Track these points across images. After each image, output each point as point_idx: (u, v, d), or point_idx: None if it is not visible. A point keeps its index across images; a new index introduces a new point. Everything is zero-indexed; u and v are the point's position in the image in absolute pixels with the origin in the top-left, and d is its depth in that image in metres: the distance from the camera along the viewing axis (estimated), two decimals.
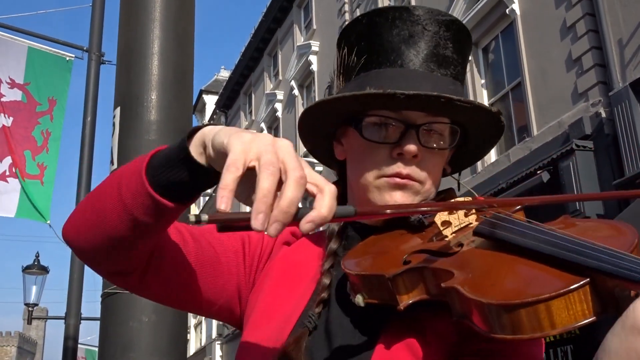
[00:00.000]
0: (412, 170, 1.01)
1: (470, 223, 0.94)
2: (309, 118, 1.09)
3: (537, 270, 0.77)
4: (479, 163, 10.48)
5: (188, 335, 28.72)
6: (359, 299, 0.91)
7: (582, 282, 0.71)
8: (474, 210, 0.94)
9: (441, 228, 0.93)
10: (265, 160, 0.72)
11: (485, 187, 9.55)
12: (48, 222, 8.85)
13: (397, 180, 1.01)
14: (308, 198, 0.74)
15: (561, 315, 0.71)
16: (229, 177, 0.71)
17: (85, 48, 9.18)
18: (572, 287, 0.71)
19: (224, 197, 0.69)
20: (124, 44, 2.24)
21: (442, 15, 1.06)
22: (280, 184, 0.71)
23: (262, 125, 22.11)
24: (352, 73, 1.08)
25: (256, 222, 0.68)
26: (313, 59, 18.25)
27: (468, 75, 11.11)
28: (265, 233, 0.70)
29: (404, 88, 0.97)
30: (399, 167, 1.01)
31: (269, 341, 1.00)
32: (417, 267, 0.86)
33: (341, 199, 0.99)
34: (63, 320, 8.34)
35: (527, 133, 9.70)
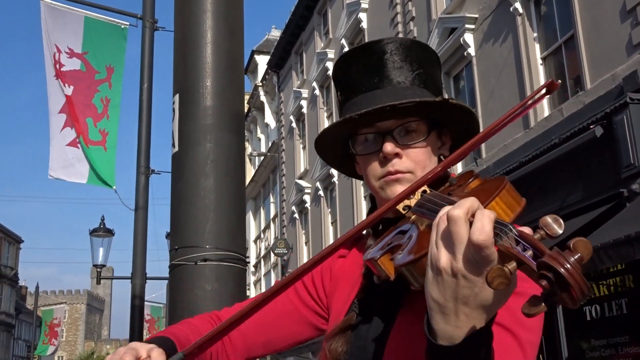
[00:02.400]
0: (399, 165, 1.23)
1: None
2: (319, 146, 1.37)
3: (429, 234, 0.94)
4: (531, 118, 10.40)
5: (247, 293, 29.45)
6: (375, 279, 1.11)
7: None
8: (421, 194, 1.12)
9: (403, 212, 1.12)
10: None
11: (538, 142, 9.49)
12: (114, 187, 9.25)
13: (390, 177, 1.24)
14: None
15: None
16: None
17: (139, 16, 9.42)
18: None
19: None
20: (180, 34, 2.42)
21: (389, 41, 1.30)
22: None
23: (314, 84, 22.20)
24: (340, 106, 1.35)
25: None
26: (363, 16, 18.16)
27: (520, 29, 10.94)
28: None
29: (367, 107, 1.21)
30: (387, 167, 1.24)
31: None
32: (390, 247, 1.08)
33: (372, 203, 1.36)
34: (129, 280, 8.79)
35: (580, 87, 9.56)
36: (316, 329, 1.40)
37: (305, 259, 22.75)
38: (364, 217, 16.56)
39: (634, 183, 7.87)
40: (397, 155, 1.23)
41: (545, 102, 10.54)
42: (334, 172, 19.99)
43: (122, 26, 9.75)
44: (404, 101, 1.20)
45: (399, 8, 15.91)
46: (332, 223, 20.88)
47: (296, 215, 24.16)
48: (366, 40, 14.07)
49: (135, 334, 8.40)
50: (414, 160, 1.24)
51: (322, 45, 22.04)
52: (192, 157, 2.27)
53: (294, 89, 24.77)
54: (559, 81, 1.05)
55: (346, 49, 19.18)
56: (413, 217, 1.09)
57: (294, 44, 25.25)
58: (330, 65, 20.86)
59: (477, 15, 12.37)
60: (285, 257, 24.50)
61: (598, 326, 8.48)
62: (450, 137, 1.34)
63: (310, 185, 22.62)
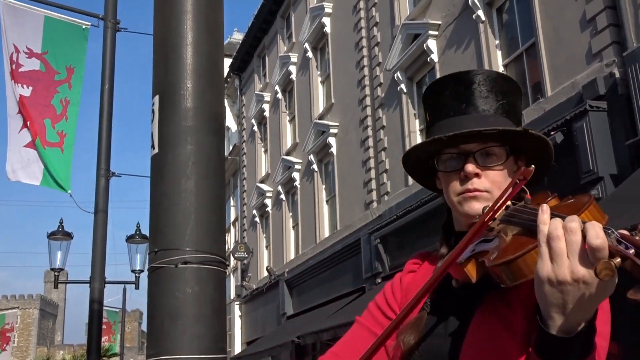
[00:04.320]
0: (478, 184, 1.37)
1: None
2: (406, 160, 1.51)
3: (522, 238, 1.14)
4: None
5: None
6: (454, 282, 1.28)
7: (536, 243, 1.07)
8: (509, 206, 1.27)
9: (490, 224, 1.26)
10: None
11: None
12: (69, 192, 9.08)
13: (469, 194, 1.37)
14: None
15: (530, 263, 1.08)
16: None
17: (100, 16, 9.29)
18: (532, 246, 1.08)
19: None
20: (160, 35, 2.40)
21: (477, 72, 1.45)
22: None
23: (277, 87, 22.18)
24: (428, 127, 1.49)
25: None
26: (326, 20, 18.22)
27: (482, 37, 11.12)
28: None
29: (454, 131, 1.36)
30: (467, 185, 1.37)
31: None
32: (474, 253, 1.23)
33: (448, 216, 1.51)
34: (87, 284, 8.64)
35: (541, 94, 9.76)
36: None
37: (265, 263, 22.69)
38: (325, 221, 16.57)
39: (593, 189, 8.06)
40: (477, 175, 1.36)
41: None
42: (295, 176, 20.00)
43: (83, 26, 9.60)
44: (489, 128, 1.34)
45: (362, 13, 16.02)
46: (293, 227, 20.87)
47: (257, 219, 24.08)
48: (329, 44, 14.23)
49: (94, 339, 8.27)
50: (492, 181, 1.37)
51: (285, 49, 22.05)
52: (173, 159, 2.25)
53: (256, 92, 24.71)
54: (532, 167, 1.23)
55: (309, 53, 19.24)
56: (496, 228, 1.24)
57: (256, 47, 25.20)
58: (293, 68, 20.87)
59: (440, 22, 12.53)
60: (245, 261, 24.38)
61: None
62: (525, 163, 1.45)
63: (271, 189, 22.58)
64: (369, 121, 15.34)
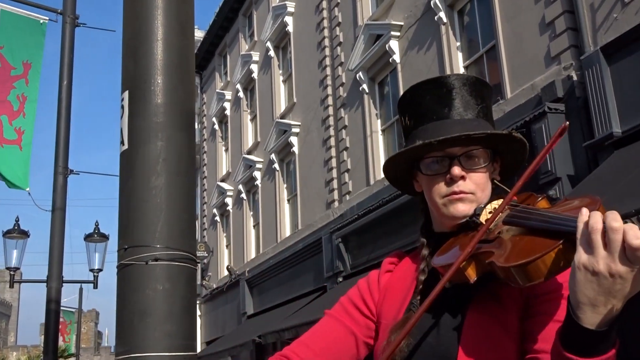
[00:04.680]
0: (464, 186, 1.41)
1: (507, 212, 1.32)
2: (389, 164, 1.53)
3: (537, 239, 1.16)
4: None
5: None
6: (447, 284, 1.28)
7: (558, 243, 1.11)
8: (507, 209, 1.32)
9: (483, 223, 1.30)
10: None
11: None
12: (27, 189, 8.90)
13: (455, 196, 1.40)
14: None
15: (553, 263, 1.12)
16: None
17: (59, 11, 9.13)
18: (552, 247, 1.11)
19: None
20: (130, 31, 2.37)
21: (457, 76, 1.49)
22: None
23: (238, 86, 22.08)
24: (408, 131, 1.51)
25: None
26: (289, 20, 18.21)
27: (444, 38, 11.25)
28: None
29: (440, 135, 1.39)
30: (453, 188, 1.41)
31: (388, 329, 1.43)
32: (474, 253, 1.26)
33: (426, 218, 1.53)
34: (44, 284, 8.48)
35: (501, 95, 9.92)
36: (368, 346, 1.55)
37: (225, 262, 22.57)
38: (286, 220, 16.52)
39: (550, 189, 8.22)
40: (462, 177, 1.40)
41: None
42: (256, 175, 19.94)
43: (41, 21, 9.42)
44: (478, 132, 1.39)
45: (325, 13, 16.05)
46: (254, 226, 20.80)
47: (217, 218, 23.93)
48: (292, 43, 14.21)
49: (50, 339, 8.14)
50: (476, 183, 1.42)
51: (247, 47, 21.96)
52: (143, 155, 2.22)
53: (217, 90, 24.54)
54: (567, 122, 1.24)
55: (271, 51, 19.19)
56: (494, 229, 1.27)
57: (217, 45, 25.04)
58: (254, 67, 20.80)
59: (402, 23, 12.63)
60: (205, 261, 24.20)
61: None
62: (500, 163, 1.51)
63: (232, 188, 22.46)
64: (331, 121, 15.38)
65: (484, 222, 1.33)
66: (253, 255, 20.39)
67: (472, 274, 1.26)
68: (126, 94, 2.31)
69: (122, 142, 2.29)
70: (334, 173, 15.07)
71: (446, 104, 1.45)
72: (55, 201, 8.54)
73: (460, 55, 11.15)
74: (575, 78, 8.40)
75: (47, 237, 8.39)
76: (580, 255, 1.05)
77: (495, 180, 1.48)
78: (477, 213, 1.37)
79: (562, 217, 1.14)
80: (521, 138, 1.45)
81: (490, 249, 1.23)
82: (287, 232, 17.87)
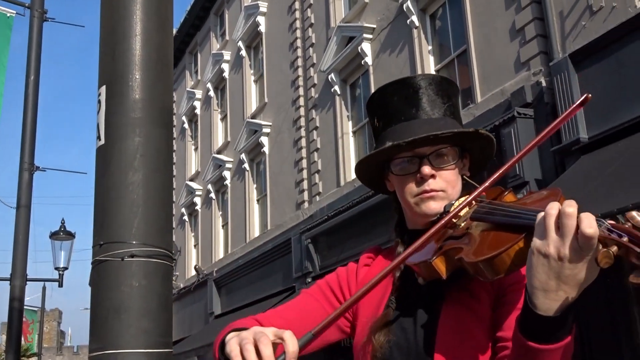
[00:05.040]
0: (434, 185, 1.44)
1: (474, 208, 1.35)
2: (361, 166, 1.56)
3: (502, 233, 1.20)
4: None
5: None
6: (420, 280, 1.34)
7: (521, 236, 1.16)
8: (474, 204, 1.35)
9: (454, 221, 1.34)
10: (244, 342, 1.11)
11: None
12: None
13: (426, 195, 1.44)
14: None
15: (516, 256, 1.15)
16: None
17: (27, 5, 8.99)
18: (516, 240, 1.16)
19: None
20: (108, 26, 2.35)
21: (423, 77, 1.52)
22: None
23: (209, 85, 21.96)
24: (378, 132, 1.55)
25: None
26: (261, 19, 18.17)
27: (416, 42, 11.33)
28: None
29: (408, 136, 1.43)
30: (424, 187, 1.44)
31: (368, 325, 1.45)
32: (444, 250, 1.29)
33: (399, 216, 1.57)
34: (7, 282, 8.34)
35: (471, 99, 10.03)
36: (342, 331, 1.57)
37: (193, 262, 22.43)
38: (256, 220, 16.44)
39: (518, 193, 8.33)
40: (432, 176, 1.43)
41: None
42: (226, 174, 19.86)
43: (8, 15, 9.27)
44: (445, 132, 1.42)
45: (298, 14, 16.05)
46: (223, 226, 20.70)
47: (185, 217, 23.76)
48: (264, 43, 14.16)
49: (13, 338, 8.00)
50: (446, 180, 1.45)
51: (218, 46, 21.85)
52: (120, 151, 2.20)
53: (188, 89, 24.38)
54: (590, 95, 1.26)
55: (243, 51, 19.13)
56: (462, 226, 1.31)
57: (188, 44, 24.87)
58: (225, 66, 20.71)
59: (374, 26, 12.69)
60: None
61: None
62: (469, 159, 1.54)
63: (201, 187, 22.32)
64: (302, 122, 15.39)
65: (454, 219, 1.36)
66: (221, 255, 20.29)
67: (443, 270, 1.29)
68: (103, 89, 2.30)
69: (99, 138, 2.27)
70: (305, 174, 15.08)
71: (413, 105, 1.48)
72: (20, 198, 8.40)
73: (431, 58, 11.24)
74: (544, 84, 8.54)
75: (11, 234, 8.26)
76: (535, 240, 1.09)
77: (465, 176, 1.51)
78: (446, 210, 1.40)
79: (523, 210, 1.19)
80: (488, 135, 1.48)
81: (460, 245, 1.27)
82: (256, 232, 17.82)
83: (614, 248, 1.02)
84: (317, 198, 14.39)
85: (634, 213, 1.04)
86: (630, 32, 7.38)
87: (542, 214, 1.10)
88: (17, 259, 8.18)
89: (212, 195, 21.06)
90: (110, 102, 2.27)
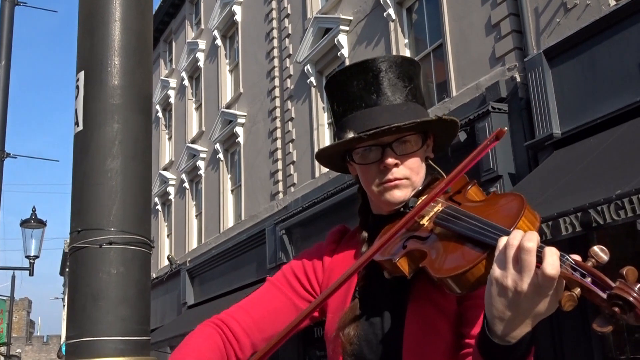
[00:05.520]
0: (398, 173, 1.41)
1: (438, 209, 1.32)
2: (321, 155, 1.53)
3: (464, 247, 1.18)
4: None
5: None
6: (386, 274, 1.33)
7: (483, 256, 1.13)
8: (440, 206, 1.33)
9: (417, 219, 1.32)
10: None
11: None
12: None
13: (390, 184, 1.41)
14: None
15: (481, 275, 1.13)
16: None
17: None
18: (478, 259, 1.13)
19: None
20: (87, 10, 2.33)
21: (383, 59, 1.45)
22: None
23: (183, 74, 21.79)
24: (338, 118, 1.50)
25: None
26: (237, 9, 18.06)
27: (392, 35, 11.37)
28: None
29: (370, 125, 1.39)
30: (387, 175, 1.41)
31: (337, 316, 1.45)
32: (408, 250, 1.29)
33: (363, 200, 1.55)
34: None
35: (447, 93, 10.10)
36: (310, 318, 1.53)
37: (166, 252, 22.31)
38: (230, 210, 16.38)
39: (492, 186, 8.43)
40: (395, 164, 1.40)
41: None
42: (200, 164, 19.76)
43: None
44: (407, 123, 1.37)
45: (274, 4, 15.99)
46: (196, 216, 20.61)
47: (159, 207, 23.61)
48: (239, 33, 14.07)
49: None
50: (410, 168, 1.42)
51: (194, 35, 21.69)
52: (98, 138, 2.18)
53: (162, 77, 24.18)
54: (505, 128, 1.26)
55: (218, 40, 19.01)
56: (426, 225, 1.29)
57: (163, 32, 24.65)
58: (200, 55, 20.57)
59: (351, 18, 12.70)
60: None
61: None
62: (433, 139, 1.50)
63: (175, 177, 22.19)
64: (278, 112, 15.36)
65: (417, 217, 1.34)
66: (195, 245, 20.21)
67: (407, 270, 1.28)
68: (82, 74, 2.27)
69: (77, 124, 2.25)
70: (279, 165, 15.07)
71: (374, 90, 1.43)
72: None
73: (408, 52, 11.29)
74: (518, 79, 8.63)
75: None
76: (494, 269, 1.07)
77: (429, 160, 1.49)
78: (410, 206, 1.39)
79: (486, 228, 1.16)
80: (452, 119, 1.45)
81: (423, 249, 1.26)
82: (230, 222, 17.78)
83: (577, 290, 1.00)
84: (292, 189, 14.40)
85: (597, 249, 1.01)
86: (603, 30, 7.49)
87: (503, 240, 1.07)
88: None
89: (186, 184, 20.95)
90: (88, 88, 2.24)
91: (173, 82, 23.15)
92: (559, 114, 7.96)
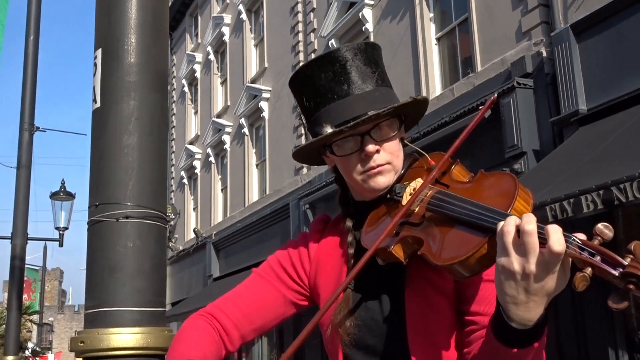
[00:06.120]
0: (379, 159, 1.41)
1: (428, 194, 1.32)
2: (298, 153, 1.53)
3: (463, 233, 1.18)
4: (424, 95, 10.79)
5: None
6: (379, 261, 1.33)
7: (485, 240, 1.13)
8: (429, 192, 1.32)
9: (411, 208, 1.31)
10: None
11: (428, 120, 9.88)
12: None
13: (373, 171, 1.41)
14: None
15: (484, 257, 1.13)
16: None
17: None
18: (481, 244, 1.13)
19: None
20: None
21: (347, 48, 1.45)
22: None
23: (209, 48, 21.83)
24: (310, 113, 1.48)
25: None
26: None
27: (417, 9, 11.25)
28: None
29: (346, 115, 1.39)
30: (369, 163, 1.41)
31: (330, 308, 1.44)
32: (402, 237, 1.28)
33: (342, 189, 1.54)
34: (9, 240, 8.43)
35: (472, 69, 10.00)
36: (297, 306, 1.58)
37: (192, 225, 22.57)
38: (255, 185, 16.46)
39: (516, 163, 8.38)
40: (377, 151, 1.41)
41: (437, 81, 10.95)
42: (225, 139, 19.86)
43: None
44: (385, 109, 1.38)
45: None
46: (222, 190, 20.78)
47: (185, 180, 23.84)
48: (264, 7, 13.99)
49: (14, 296, 8.11)
50: (390, 152, 1.43)
51: (219, 9, 21.67)
52: (115, 114, 2.23)
53: (188, 52, 24.24)
54: (495, 95, 1.30)
55: (243, 14, 18.97)
56: (417, 211, 1.29)
57: (188, 6, 24.66)
58: (226, 30, 20.57)
59: None
60: (172, 223, 24.16)
61: None
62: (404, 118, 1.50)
63: (200, 151, 22.35)
64: None
65: (405, 201, 1.34)
66: (220, 218, 20.41)
67: (402, 256, 1.29)
68: (99, 52, 2.32)
69: (95, 100, 2.30)
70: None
71: (344, 80, 1.42)
72: (21, 158, 8.44)
73: (432, 26, 11.18)
74: (544, 54, 8.51)
75: (12, 194, 8.32)
76: (499, 257, 1.08)
77: (406, 141, 1.50)
78: (397, 192, 1.39)
79: (484, 213, 1.15)
80: (424, 98, 1.46)
81: (419, 235, 1.25)
82: (255, 196, 17.90)
83: (589, 270, 1.00)
84: None
85: (601, 226, 1.02)
86: (632, 4, 7.34)
87: (501, 224, 1.08)
88: (17, 218, 8.25)
89: (212, 159, 21.10)
90: (106, 65, 2.29)
91: (199, 57, 23.21)
92: (585, 90, 7.85)
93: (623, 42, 7.46)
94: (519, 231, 1.06)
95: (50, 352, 42.94)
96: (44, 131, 10.06)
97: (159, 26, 2.38)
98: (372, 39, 12.48)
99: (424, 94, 10.85)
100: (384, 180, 1.41)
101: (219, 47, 21.54)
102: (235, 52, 19.94)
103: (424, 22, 11.16)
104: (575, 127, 7.85)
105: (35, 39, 8.67)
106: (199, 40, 23.50)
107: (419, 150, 1.45)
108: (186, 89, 24.47)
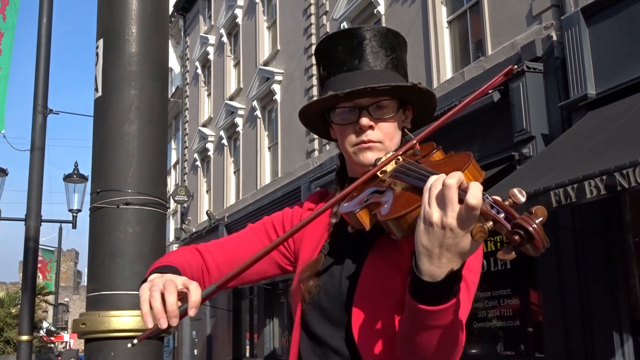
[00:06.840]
0: (372, 136, 1.48)
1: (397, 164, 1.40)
2: (303, 114, 1.60)
3: (410, 195, 1.25)
4: (434, 80, 10.78)
5: None
6: (349, 228, 1.38)
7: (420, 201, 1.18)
8: (400, 160, 1.40)
9: (380, 175, 1.40)
10: (153, 289, 1.24)
11: (439, 103, 9.83)
12: (2, 132, 8.86)
13: (364, 145, 1.48)
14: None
15: (414, 221, 1.18)
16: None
17: None
18: (416, 204, 1.19)
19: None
20: None
21: (368, 28, 1.53)
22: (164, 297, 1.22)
23: (222, 30, 21.84)
24: (322, 81, 1.57)
25: (162, 323, 1.21)
26: None
27: None
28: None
29: (348, 87, 1.45)
30: (362, 137, 1.48)
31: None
32: (368, 204, 1.34)
33: (342, 163, 1.61)
34: (23, 222, 8.56)
35: (482, 52, 9.97)
36: (281, 268, 1.65)
37: (205, 207, 22.73)
38: (267, 167, 16.50)
39: (524, 147, 8.38)
40: (370, 127, 1.47)
41: (448, 65, 10.92)
42: (238, 121, 19.93)
43: None
44: (382, 84, 1.44)
45: None
46: (234, 172, 20.89)
47: (198, 162, 23.97)
48: None
49: (29, 277, 8.24)
50: (384, 132, 1.49)
51: None
52: (116, 103, 2.30)
53: (201, 34, 24.26)
54: (515, 66, 1.27)
55: None
56: (387, 181, 1.35)
57: None
58: (239, 12, 20.57)
59: None
60: (185, 205, 24.33)
61: (483, 280, 9.07)
62: (412, 111, 1.57)
63: (214, 134, 22.44)
64: (314, 70, 15.34)
65: (380, 173, 1.41)
66: (233, 201, 20.54)
67: (367, 222, 1.34)
68: (101, 42, 2.38)
69: (96, 89, 2.37)
70: None
71: (357, 56, 1.50)
72: (34, 140, 8.54)
73: (444, 9, 11.14)
74: (554, 38, 8.47)
75: (26, 175, 8.43)
76: (423, 207, 1.14)
77: (405, 129, 1.55)
78: (376, 163, 1.44)
79: (424, 174, 1.23)
80: (427, 89, 1.50)
81: (380, 201, 1.32)
82: (267, 179, 18.00)
83: (490, 223, 1.06)
84: (327, 147, 14.47)
85: (515, 190, 1.08)
86: None
87: (431, 181, 1.15)
88: (31, 200, 8.35)
89: (225, 141, 21.19)
90: (107, 55, 2.36)
91: (212, 39, 23.23)
92: (595, 74, 7.82)
93: (633, 26, 7.42)
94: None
95: (65, 331, 43.52)
96: (57, 114, 10.14)
97: (159, 17, 2.44)
98: (383, 21, 12.45)
99: (434, 77, 10.82)
100: (372, 156, 1.46)
101: (232, 29, 21.54)
102: (248, 34, 19.94)
103: (435, 5, 11.11)
104: (584, 111, 7.83)
105: (48, 21, 8.73)
106: (212, 23, 23.50)
107: (414, 137, 1.48)
108: (199, 71, 24.52)
